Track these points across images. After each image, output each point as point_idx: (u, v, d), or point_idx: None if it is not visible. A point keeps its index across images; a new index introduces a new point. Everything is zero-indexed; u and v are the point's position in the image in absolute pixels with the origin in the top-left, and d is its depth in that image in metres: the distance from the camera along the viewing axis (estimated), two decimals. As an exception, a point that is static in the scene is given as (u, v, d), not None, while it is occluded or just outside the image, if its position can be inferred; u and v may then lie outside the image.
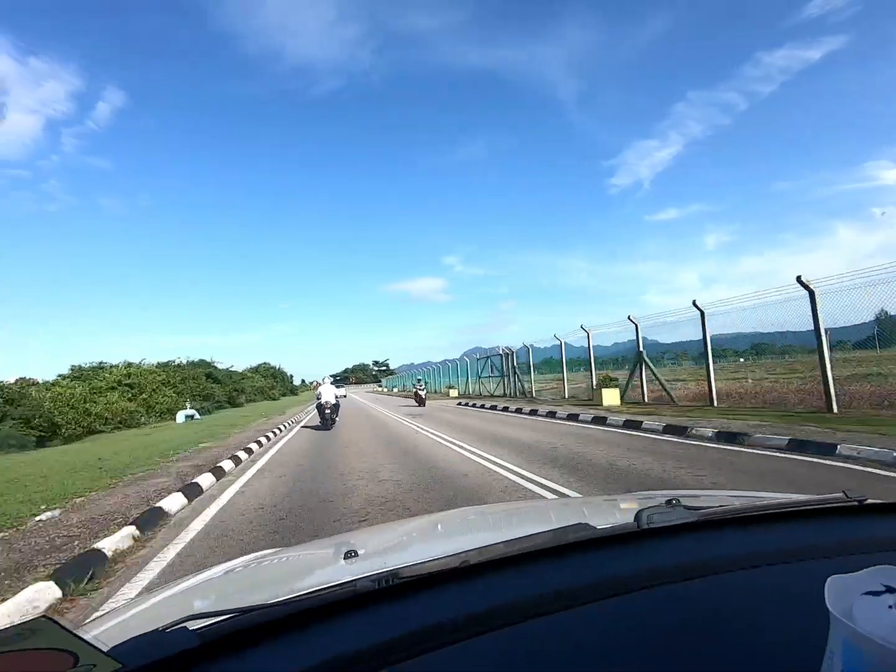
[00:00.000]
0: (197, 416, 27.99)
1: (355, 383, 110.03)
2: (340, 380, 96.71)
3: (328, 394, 12.48)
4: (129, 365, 34.42)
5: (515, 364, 21.93)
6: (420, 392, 21.37)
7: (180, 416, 26.69)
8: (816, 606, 0.41)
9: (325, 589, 0.69)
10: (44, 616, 0.45)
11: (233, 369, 52.47)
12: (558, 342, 18.16)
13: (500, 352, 23.47)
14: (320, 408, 12.46)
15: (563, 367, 18.25)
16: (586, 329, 16.26)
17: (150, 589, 3.00)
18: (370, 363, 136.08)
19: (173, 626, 0.60)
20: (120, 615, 0.99)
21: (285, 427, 14.79)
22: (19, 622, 0.44)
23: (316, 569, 1.18)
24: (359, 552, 1.02)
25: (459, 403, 21.70)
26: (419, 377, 25.42)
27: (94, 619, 1.02)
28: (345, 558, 0.98)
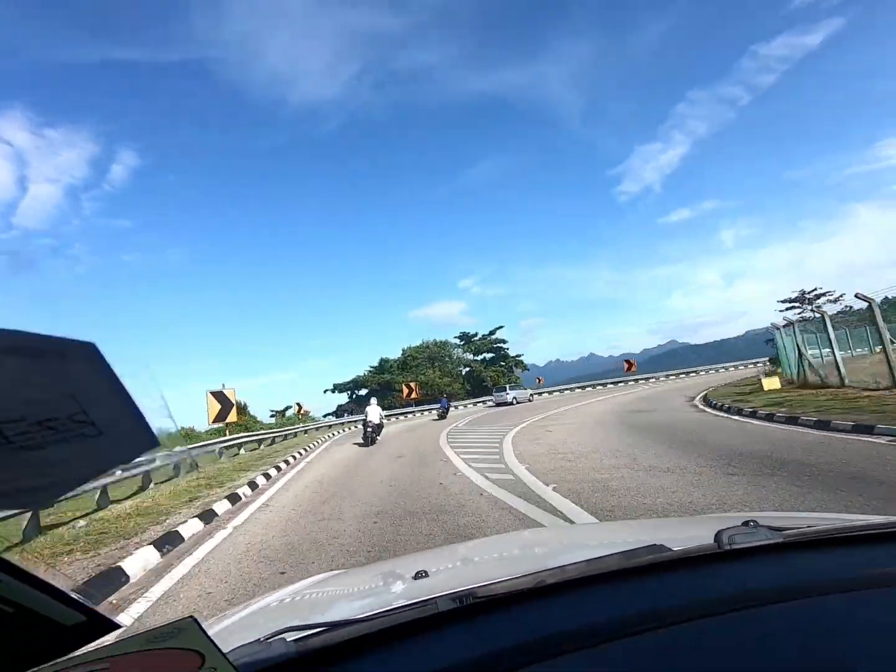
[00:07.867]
0: None
1: (411, 397, 34.12)
2: (371, 393, 33.61)
3: (373, 414, 15.39)
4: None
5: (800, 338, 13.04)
6: None
7: None
8: None
9: (407, 606, 0.71)
10: (191, 616, 0.49)
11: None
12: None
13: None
14: (364, 425, 15.37)
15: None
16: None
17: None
18: (454, 339, 50.53)
19: (272, 636, 0.65)
20: (218, 624, 1.07)
21: None
22: (169, 622, 0.46)
23: (392, 587, 1.22)
24: (429, 572, 1.04)
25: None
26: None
27: None
28: (415, 578, 1.02)
